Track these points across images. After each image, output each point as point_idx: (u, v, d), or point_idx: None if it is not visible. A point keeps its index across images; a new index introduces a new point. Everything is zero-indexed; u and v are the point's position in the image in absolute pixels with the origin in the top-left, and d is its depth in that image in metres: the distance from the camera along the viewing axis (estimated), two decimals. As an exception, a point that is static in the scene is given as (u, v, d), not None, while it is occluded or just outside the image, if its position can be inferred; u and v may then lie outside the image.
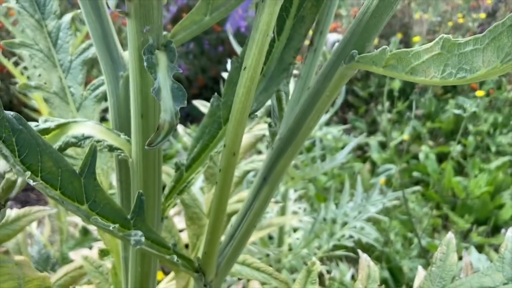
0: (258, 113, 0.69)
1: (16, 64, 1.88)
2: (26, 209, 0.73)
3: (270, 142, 0.44)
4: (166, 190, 0.47)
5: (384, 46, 0.31)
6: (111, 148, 0.40)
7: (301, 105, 0.39)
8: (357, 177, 1.25)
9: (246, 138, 0.80)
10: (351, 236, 1.36)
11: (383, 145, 2.34)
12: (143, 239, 0.34)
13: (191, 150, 0.47)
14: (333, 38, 1.18)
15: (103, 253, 0.58)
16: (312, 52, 0.43)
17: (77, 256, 0.82)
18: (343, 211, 1.21)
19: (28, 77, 1.71)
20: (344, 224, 1.41)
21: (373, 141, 2.40)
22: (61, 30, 0.69)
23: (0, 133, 0.27)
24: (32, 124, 0.42)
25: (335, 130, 1.04)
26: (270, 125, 0.45)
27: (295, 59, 0.44)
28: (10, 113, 0.29)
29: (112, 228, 0.32)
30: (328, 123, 2.66)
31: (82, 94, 0.67)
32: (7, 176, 0.33)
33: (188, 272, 0.43)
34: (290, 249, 1.37)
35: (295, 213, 1.50)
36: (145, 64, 0.32)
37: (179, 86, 0.32)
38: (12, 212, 0.72)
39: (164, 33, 0.44)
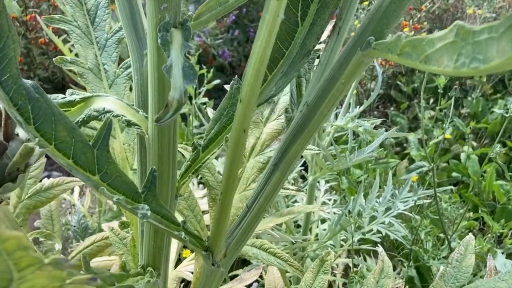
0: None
1: (65, 42, 1.96)
2: (60, 179, 0.77)
3: (285, 128, 0.43)
4: (182, 169, 0.48)
5: (400, 33, 0.30)
6: (129, 124, 0.41)
7: (316, 91, 0.39)
8: (389, 173, 1.22)
9: (273, 125, 0.80)
10: (379, 232, 1.33)
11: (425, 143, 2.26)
12: (149, 213, 0.35)
13: (208, 131, 0.48)
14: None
15: (123, 225, 0.60)
16: (334, 39, 0.42)
17: (106, 227, 0.86)
18: (371, 206, 1.19)
19: (76, 55, 1.77)
20: (373, 219, 1.39)
21: (413, 137, 2.32)
22: (99, 8, 0.71)
23: (16, 100, 0.29)
24: (60, 96, 0.44)
25: (368, 123, 1.01)
26: (286, 111, 0.44)
27: (316, 45, 0.43)
28: (28, 82, 0.31)
29: (116, 199, 0.33)
30: (364, 116, 2.60)
31: (115, 72, 0.69)
32: (25, 144, 0.35)
33: (197, 250, 0.44)
34: (316, 239, 1.37)
35: (324, 203, 1.49)
36: (159, 41, 0.33)
37: (191, 65, 0.33)
38: (47, 181, 0.76)
39: (190, 13, 0.45)
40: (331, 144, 1.19)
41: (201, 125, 2.36)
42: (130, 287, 0.42)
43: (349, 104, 1.19)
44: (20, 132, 0.40)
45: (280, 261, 0.67)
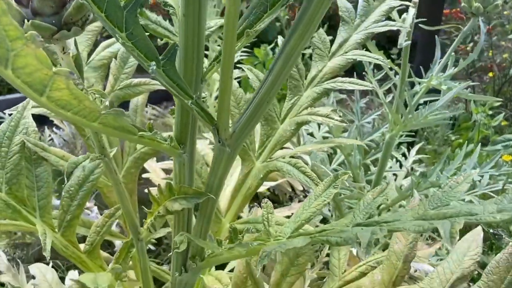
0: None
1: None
2: (147, 80, 0.91)
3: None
4: (213, 56, 0.55)
5: None
6: (165, 4, 0.50)
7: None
8: (478, 146, 1.12)
9: (337, 60, 0.82)
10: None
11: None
12: (155, 67, 0.43)
13: (240, 24, 0.54)
14: None
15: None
16: None
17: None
18: (448, 175, 1.12)
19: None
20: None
21: None
22: None
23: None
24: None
25: (454, 83, 0.94)
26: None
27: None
28: None
29: (137, 54, 0.42)
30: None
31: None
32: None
33: (206, 124, 0.51)
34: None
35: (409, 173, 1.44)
36: None
37: None
38: (135, 80, 0.91)
39: None
40: (418, 107, 1.14)
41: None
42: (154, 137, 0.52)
43: (446, 64, 1.12)
44: None
45: (308, 180, 0.72)
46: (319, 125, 1.46)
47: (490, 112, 2.14)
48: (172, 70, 0.47)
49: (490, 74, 2.56)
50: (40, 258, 1.54)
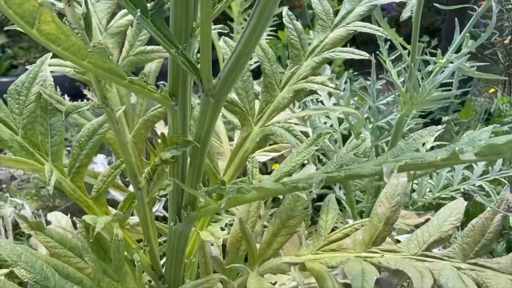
0: None
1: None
2: (159, 47, 0.96)
3: None
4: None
5: None
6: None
7: None
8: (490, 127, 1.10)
9: (339, 32, 0.84)
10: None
11: None
12: (139, 14, 0.48)
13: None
14: None
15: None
16: None
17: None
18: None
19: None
20: (464, 180, 1.30)
21: None
22: None
23: None
24: None
25: (467, 65, 0.93)
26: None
27: None
28: None
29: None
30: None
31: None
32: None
33: (189, 72, 0.56)
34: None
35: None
36: None
37: None
38: (149, 47, 0.97)
39: None
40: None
41: None
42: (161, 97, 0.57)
43: (459, 45, 1.11)
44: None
45: (298, 142, 0.75)
46: (333, 104, 1.48)
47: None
48: (159, 21, 0.52)
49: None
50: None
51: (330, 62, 1.89)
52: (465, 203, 0.70)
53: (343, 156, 0.57)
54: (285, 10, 0.87)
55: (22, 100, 0.73)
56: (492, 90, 3.53)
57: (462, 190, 1.26)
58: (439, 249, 0.67)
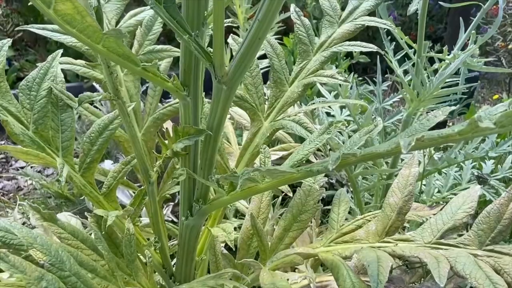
0: None
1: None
2: (168, 46, 0.97)
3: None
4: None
5: None
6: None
7: None
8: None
9: (347, 27, 0.85)
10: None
11: None
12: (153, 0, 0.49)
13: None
14: None
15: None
16: None
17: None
18: (462, 155, 1.11)
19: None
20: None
21: None
22: None
23: None
24: None
25: (473, 60, 0.94)
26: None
27: None
28: None
29: None
30: None
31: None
32: None
33: (202, 59, 0.56)
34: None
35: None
36: None
37: None
38: (158, 46, 0.98)
39: None
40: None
41: None
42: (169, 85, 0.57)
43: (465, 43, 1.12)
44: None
45: (308, 133, 0.75)
46: (341, 108, 1.48)
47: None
48: (172, 7, 0.53)
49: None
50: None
51: (335, 67, 1.90)
52: (479, 191, 0.70)
53: (356, 140, 0.57)
54: (292, 6, 0.88)
55: (33, 96, 0.73)
56: (496, 96, 3.53)
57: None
58: (454, 238, 0.66)
